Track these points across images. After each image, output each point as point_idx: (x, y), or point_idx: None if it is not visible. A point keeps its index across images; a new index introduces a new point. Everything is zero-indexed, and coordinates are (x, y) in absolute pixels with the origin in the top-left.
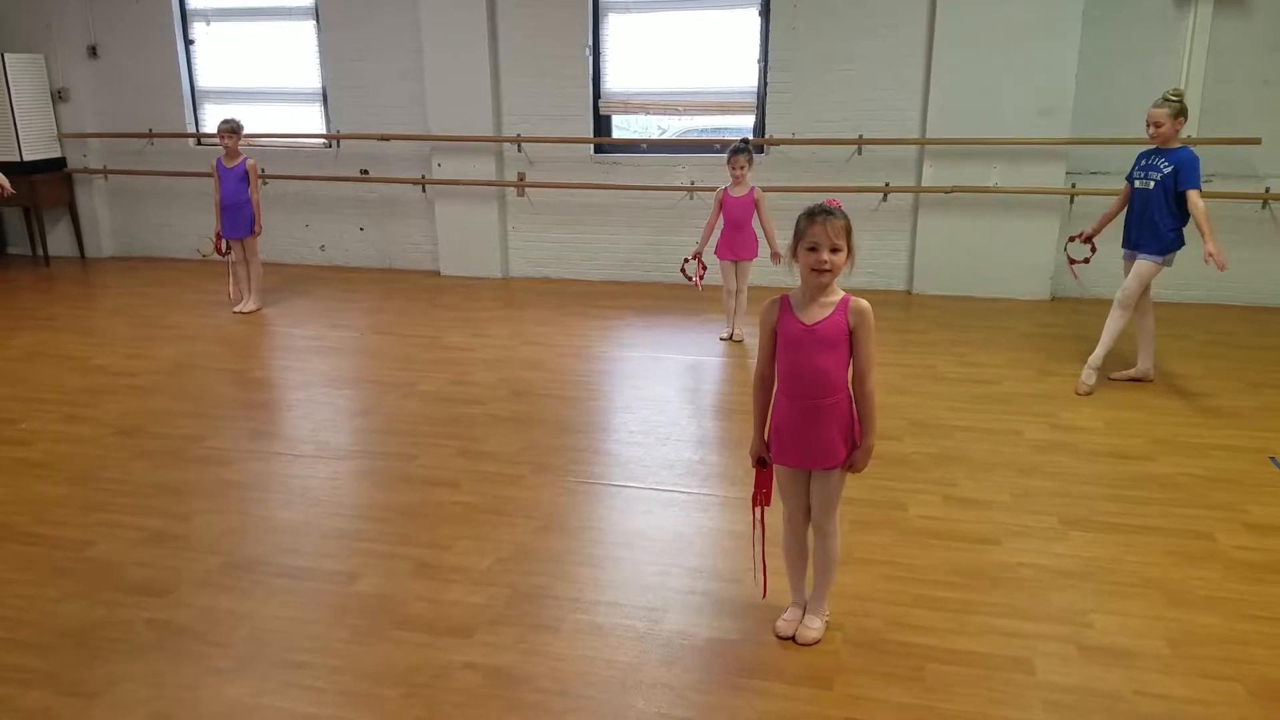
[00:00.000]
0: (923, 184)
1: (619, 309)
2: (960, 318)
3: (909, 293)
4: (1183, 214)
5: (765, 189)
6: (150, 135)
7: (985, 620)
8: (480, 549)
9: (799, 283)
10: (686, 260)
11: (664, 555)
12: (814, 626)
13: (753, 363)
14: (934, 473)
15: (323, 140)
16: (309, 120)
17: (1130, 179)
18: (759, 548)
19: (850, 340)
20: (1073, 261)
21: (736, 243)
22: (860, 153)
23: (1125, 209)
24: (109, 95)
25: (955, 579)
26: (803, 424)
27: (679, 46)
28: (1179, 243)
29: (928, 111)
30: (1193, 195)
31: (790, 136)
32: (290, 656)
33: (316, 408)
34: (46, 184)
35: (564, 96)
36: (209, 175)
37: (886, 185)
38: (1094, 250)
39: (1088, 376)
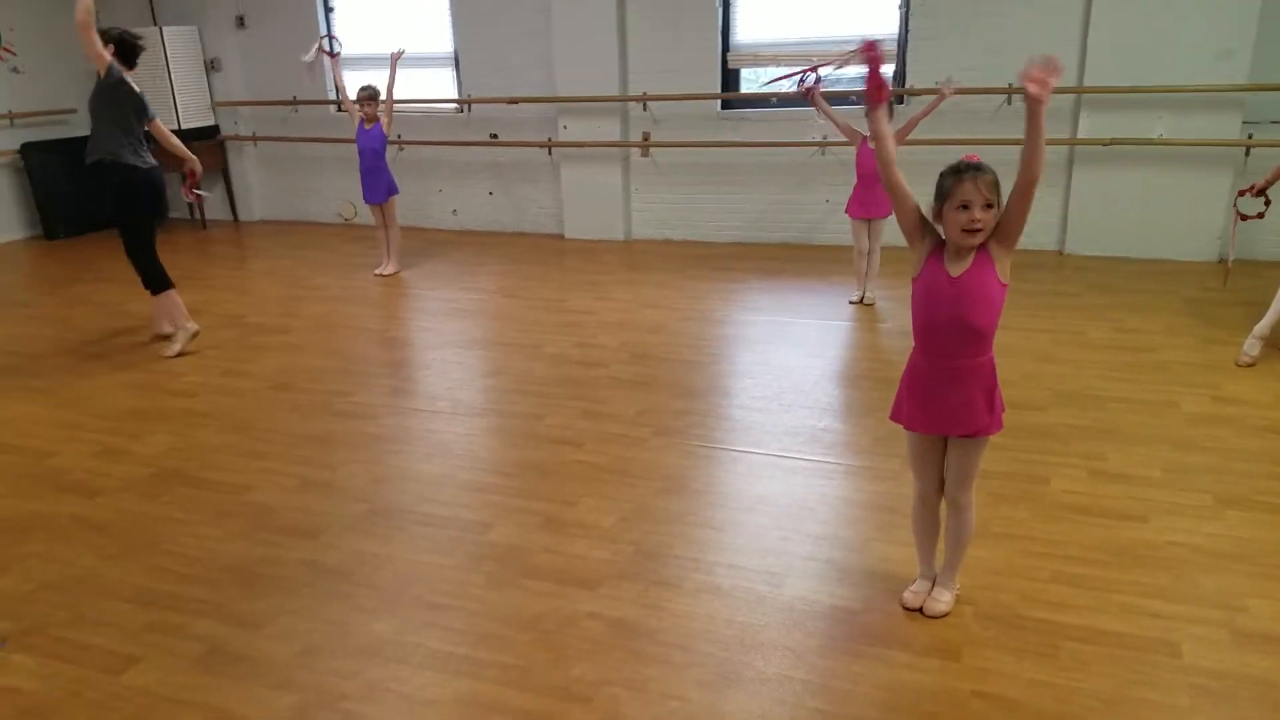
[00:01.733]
0: (1079, 136)
1: (743, 271)
2: (1116, 280)
3: (1060, 253)
4: None
5: (906, 144)
6: (294, 102)
7: (1129, 600)
8: (604, 507)
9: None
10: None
11: (786, 521)
12: (943, 599)
13: (885, 328)
14: (1080, 445)
15: (455, 105)
16: (442, 85)
17: None
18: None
19: (1002, 228)
20: (1243, 217)
21: (870, 200)
22: (1010, 103)
23: None
24: (256, 64)
25: (1098, 556)
26: (944, 386)
27: None
28: None
29: (1086, 56)
30: None
31: (933, 85)
32: (430, 598)
33: (450, 367)
34: (202, 150)
35: (691, 51)
36: (349, 141)
37: None
38: (1268, 204)
39: (1250, 346)
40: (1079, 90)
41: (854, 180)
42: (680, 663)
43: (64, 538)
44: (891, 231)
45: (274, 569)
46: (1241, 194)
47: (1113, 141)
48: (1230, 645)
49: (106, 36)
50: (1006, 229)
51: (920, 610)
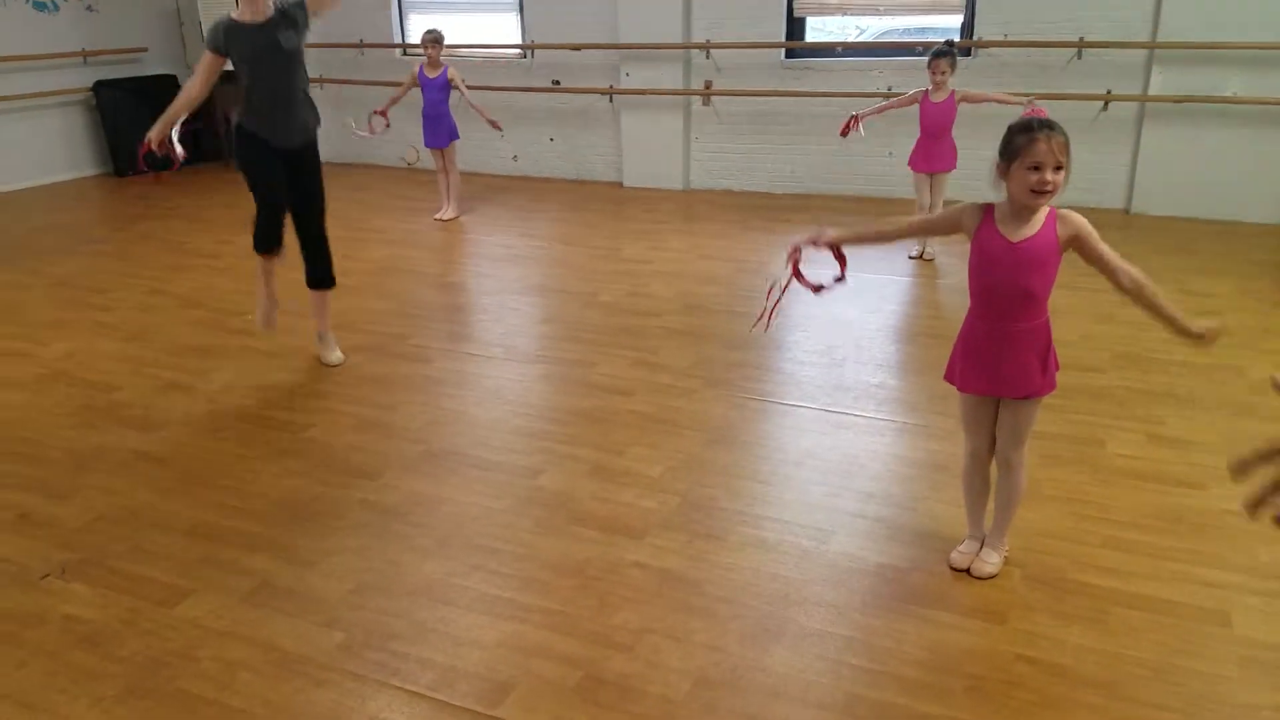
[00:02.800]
0: (1150, 92)
1: (802, 223)
2: (1185, 240)
3: (1127, 212)
4: None
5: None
6: (361, 45)
7: (1181, 568)
8: (652, 456)
9: (1007, 199)
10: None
11: (834, 477)
12: (991, 560)
13: (944, 283)
14: (1139, 409)
15: (518, 50)
16: (507, 30)
17: None
18: (775, 296)
19: (1077, 252)
20: None
21: (934, 153)
22: (1080, 56)
23: None
24: None
25: (1152, 522)
26: (999, 349)
27: None
28: None
29: (1161, 10)
30: None
31: (1002, 38)
32: (480, 541)
33: (506, 313)
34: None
35: None
36: (415, 86)
37: (1108, 93)
38: None
39: None
40: (1152, 45)
41: (917, 134)
42: (723, 615)
43: (124, 470)
44: (955, 186)
45: (329, 507)
46: None
47: (1185, 98)
48: None
49: None
50: (1089, 255)
51: (968, 571)
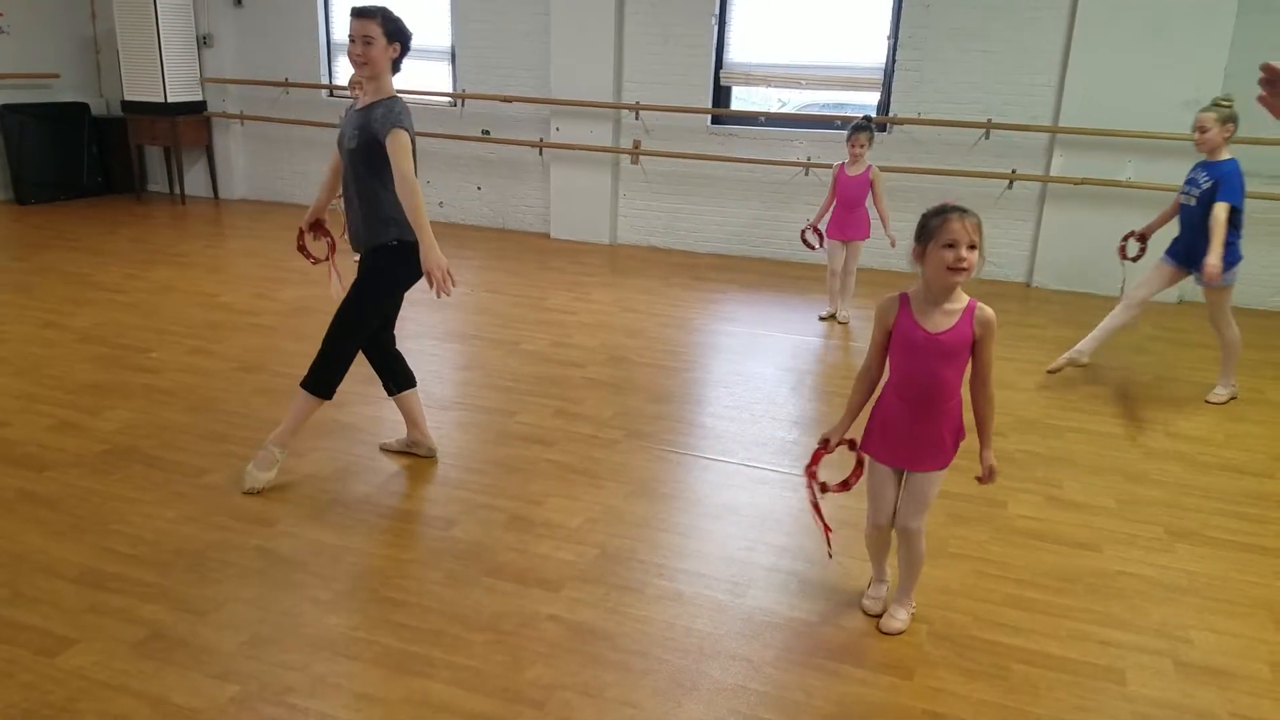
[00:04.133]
0: (1051, 173)
1: (723, 283)
2: (1080, 315)
3: (1028, 285)
4: (1233, 226)
5: (885, 169)
6: (286, 84)
7: (1078, 626)
8: (571, 507)
9: (923, 283)
10: (805, 230)
11: (751, 531)
12: (899, 617)
13: (856, 346)
14: (1038, 472)
15: (448, 99)
16: (438, 78)
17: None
18: (819, 519)
19: (973, 349)
20: (1125, 257)
21: (848, 222)
22: (988, 137)
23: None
24: (250, 43)
25: (1050, 582)
26: (915, 427)
27: (806, 19)
28: (1234, 257)
29: (1063, 98)
30: (1219, 209)
31: (916, 116)
32: (387, 594)
33: (425, 359)
34: (187, 126)
35: (685, 65)
36: (336, 125)
37: (1013, 172)
38: (1143, 252)
39: (1065, 358)
40: (1054, 129)
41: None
42: (637, 669)
43: (8, 512)
44: (868, 254)
45: (226, 554)
46: (1126, 238)
47: (1083, 180)
48: (1174, 676)
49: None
50: (979, 354)
51: (878, 625)
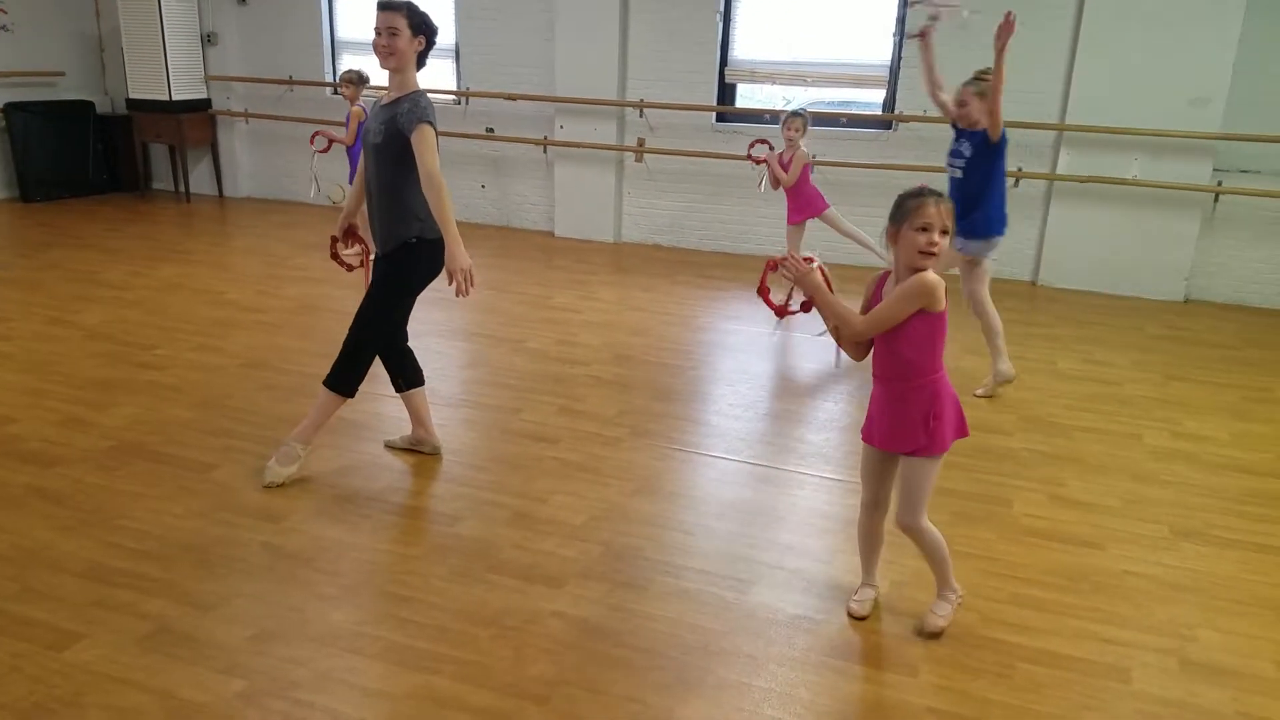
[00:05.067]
0: (1058, 171)
1: (728, 281)
2: (1086, 313)
3: (1034, 284)
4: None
5: (890, 166)
6: (290, 82)
7: (1083, 625)
8: (575, 505)
9: (896, 263)
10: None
11: (755, 529)
12: (941, 613)
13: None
14: (1044, 471)
15: (452, 96)
16: (441, 76)
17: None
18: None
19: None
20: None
21: (794, 206)
22: None
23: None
24: (254, 41)
25: (1055, 580)
26: (888, 406)
27: (811, 16)
28: (995, 228)
29: (1069, 96)
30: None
31: (921, 114)
32: (391, 589)
33: (430, 356)
34: (192, 124)
35: (690, 63)
36: (342, 124)
37: (1019, 170)
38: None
39: (991, 385)
40: (1061, 127)
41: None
42: (641, 666)
43: (17, 507)
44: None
45: (232, 550)
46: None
47: (1089, 179)
48: (1178, 674)
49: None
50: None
51: (922, 628)
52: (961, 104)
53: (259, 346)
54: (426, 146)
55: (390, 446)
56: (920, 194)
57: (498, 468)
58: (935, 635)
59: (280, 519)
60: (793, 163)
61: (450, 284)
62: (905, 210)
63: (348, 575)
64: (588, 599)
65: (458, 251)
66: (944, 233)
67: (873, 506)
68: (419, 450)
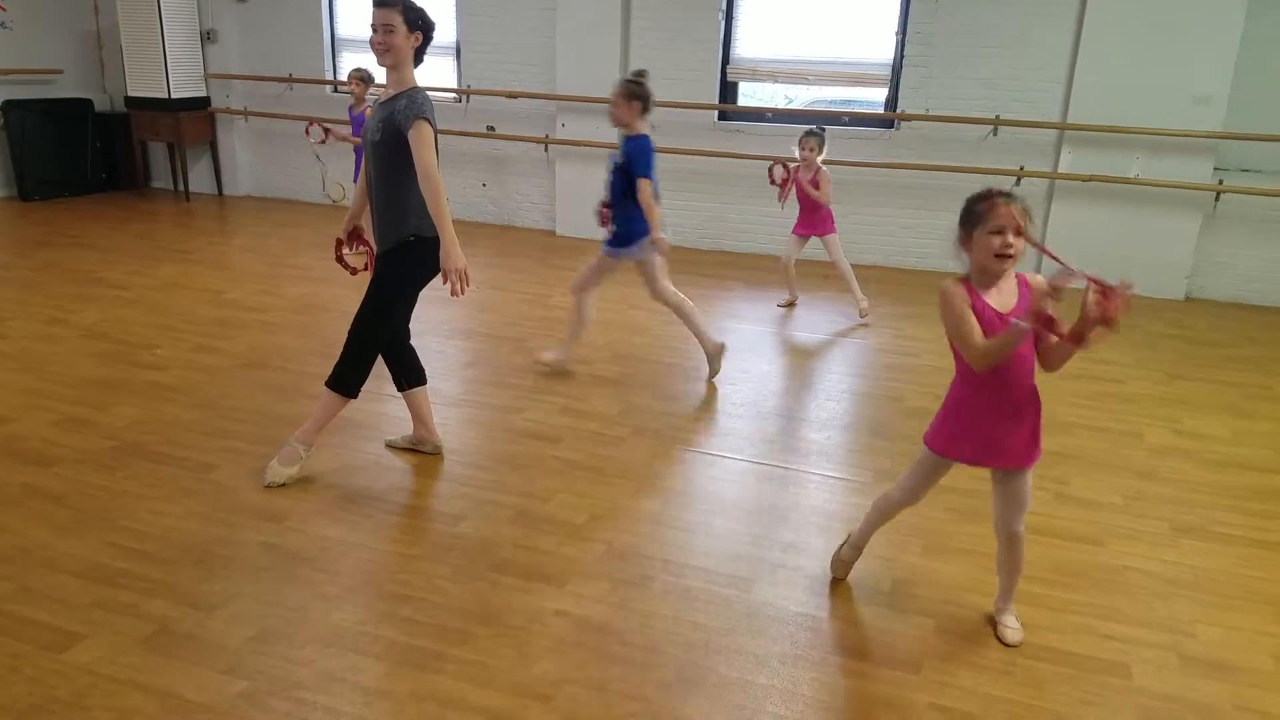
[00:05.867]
0: (1059, 170)
1: (729, 280)
2: None
3: None
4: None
5: (892, 165)
6: (290, 80)
7: (1083, 621)
8: (577, 504)
9: (972, 268)
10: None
11: (757, 527)
12: (1014, 625)
13: (861, 343)
14: (1045, 469)
15: (453, 95)
16: (442, 74)
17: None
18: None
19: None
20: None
21: (806, 221)
22: (996, 133)
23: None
24: (254, 39)
25: (1056, 577)
26: (1001, 421)
27: (814, 14)
28: (638, 230)
29: (1071, 94)
30: (640, 185)
31: (924, 112)
32: (393, 589)
33: (431, 355)
34: (191, 121)
35: (692, 61)
36: (344, 122)
37: (1021, 169)
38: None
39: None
40: (1062, 126)
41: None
42: (643, 664)
43: (16, 507)
44: (882, 253)
45: (233, 550)
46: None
47: (1091, 177)
48: (1178, 669)
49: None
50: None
51: (997, 636)
52: (613, 105)
53: (259, 346)
54: (423, 143)
55: (391, 446)
56: (989, 196)
57: (499, 467)
58: (1015, 645)
59: (281, 519)
60: (822, 181)
61: (445, 284)
62: (976, 214)
63: (349, 575)
64: (590, 598)
65: (453, 250)
66: (1018, 233)
67: (910, 505)
68: (420, 450)
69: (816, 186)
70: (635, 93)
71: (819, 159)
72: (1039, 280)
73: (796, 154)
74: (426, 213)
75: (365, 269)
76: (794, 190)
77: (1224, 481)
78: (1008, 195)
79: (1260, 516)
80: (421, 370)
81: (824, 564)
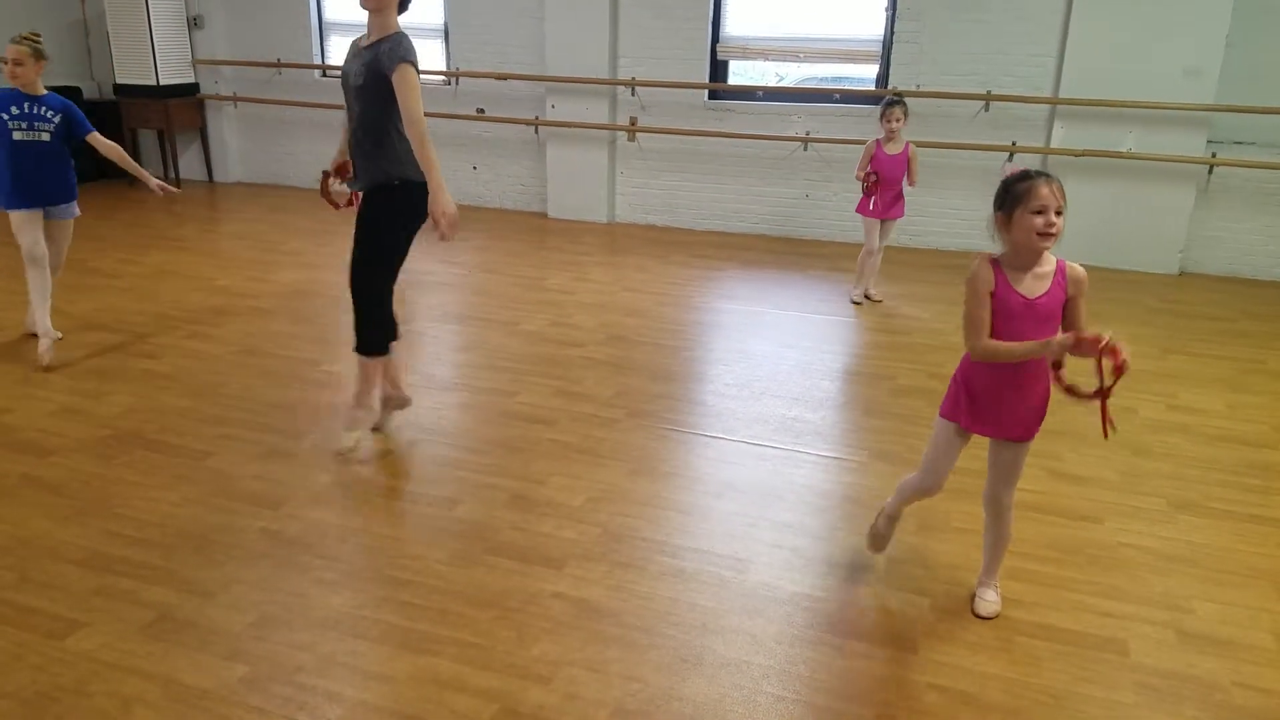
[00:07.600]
0: (1052, 145)
1: (722, 260)
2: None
3: None
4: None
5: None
6: (278, 65)
7: (1080, 598)
8: (573, 486)
9: (1010, 249)
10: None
11: (753, 507)
12: (991, 599)
13: (855, 323)
14: (1039, 446)
15: (442, 77)
16: (430, 56)
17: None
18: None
19: (1064, 308)
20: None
21: (888, 202)
22: (988, 109)
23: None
24: (241, 24)
25: (1052, 554)
26: (1012, 395)
27: None
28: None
29: (1063, 69)
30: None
31: (915, 89)
32: (391, 573)
33: (424, 340)
34: (180, 108)
35: (682, 40)
36: (333, 106)
37: (1013, 145)
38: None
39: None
40: (1054, 101)
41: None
42: (641, 645)
43: (14, 497)
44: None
45: (231, 537)
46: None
47: (1084, 152)
48: (1176, 645)
49: None
50: (1072, 311)
51: (973, 610)
52: (18, 63)
53: (253, 333)
54: (408, 86)
55: (378, 430)
56: (1028, 176)
57: (495, 451)
58: (990, 618)
59: (278, 505)
60: (913, 160)
61: (435, 230)
62: (1016, 194)
63: (347, 560)
64: (587, 580)
65: (441, 195)
66: (1059, 212)
67: (935, 490)
68: (392, 411)
69: (908, 168)
70: (38, 51)
71: (903, 131)
72: (1078, 271)
73: (879, 129)
74: (412, 157)
75: (349, 204)
76: (877, 168)
77: (1220, 456)
78: (1047, 175)
79: (1258, 491)
80: (394, 324)
81: (821, 544)
